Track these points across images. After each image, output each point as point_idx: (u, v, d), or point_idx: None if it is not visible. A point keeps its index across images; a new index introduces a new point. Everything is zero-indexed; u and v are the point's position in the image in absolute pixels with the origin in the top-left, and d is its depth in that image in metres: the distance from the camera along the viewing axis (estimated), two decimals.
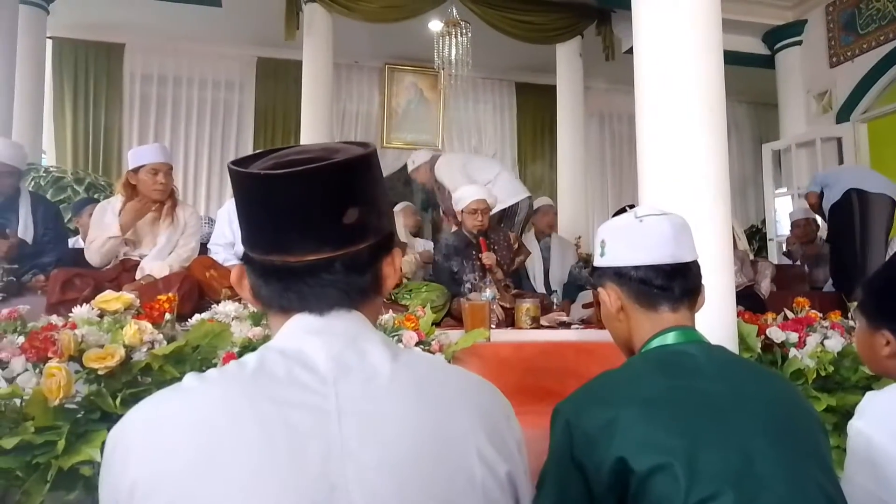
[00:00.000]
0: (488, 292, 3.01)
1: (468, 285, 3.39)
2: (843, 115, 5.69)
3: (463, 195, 3.55)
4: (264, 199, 0.69)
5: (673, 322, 1.02)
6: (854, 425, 1.01)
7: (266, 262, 0.70)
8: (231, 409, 0.61)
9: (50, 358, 1.61)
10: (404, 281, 3.23)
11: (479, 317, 2.58)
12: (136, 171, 2.93)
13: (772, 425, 0.88)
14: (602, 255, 1.10)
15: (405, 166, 7.44)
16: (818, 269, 4.80)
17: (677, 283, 1.03)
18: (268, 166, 0.69)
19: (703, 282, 1.09)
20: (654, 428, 0.85)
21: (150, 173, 2.91)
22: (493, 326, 2.79)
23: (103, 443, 1.52)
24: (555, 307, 3.62)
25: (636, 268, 1.03)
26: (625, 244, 1.06)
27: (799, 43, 6.10)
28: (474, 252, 3.46)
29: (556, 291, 4.32)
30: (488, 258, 3.38)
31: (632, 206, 4.21)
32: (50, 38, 5.99)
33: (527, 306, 2.99)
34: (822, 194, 4.29)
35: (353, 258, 0.70)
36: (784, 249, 5.66)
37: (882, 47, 5.35)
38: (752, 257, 5.83)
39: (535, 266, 4.42)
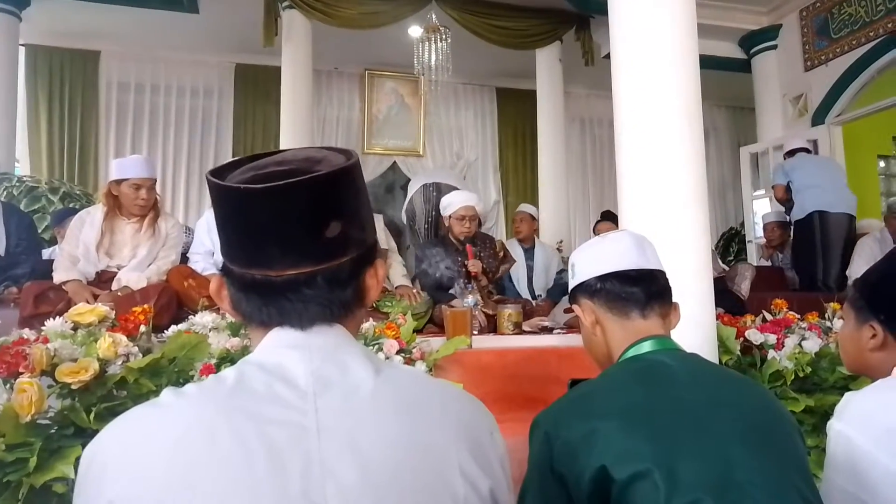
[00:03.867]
0: (470, 299, 3.00)
1: (452, 291, 3.37)
2: (819, 118, 5.79)
3: (451, 201, 3.53)
4: (243, 212, 0.67)
5: (646, 331, 1.05)
6: (833, 426, 1.01)
7: (246, 276, 0.68)
8: (209, 427, 0.60)
9: (21, 373, 1.57)
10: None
11: (460, 324, 2.57)
12: (118, 182, 2.88)
13: (749, 432, 0.89)
14: (573, 276, 1.15)
15: (386, 173, 7.50)
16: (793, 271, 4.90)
17: (642, 287, 1.07)
18: (246, 179, 0.67)
19: (682, 285, 1.10)
20: (634, 437, 0.86)
21: (133, 188, 2.86)
22: (475, 333, 2.78)
23: (77, 459, 1.49)
24: (535, 305, 3.62)
25: (602, 277, 1.09)
26: (591, 260, 1.12)
27: (774, 47, 6.20)
28: (459, 259, 3.45)
29: (540, 296, 4.33)
30: (474, 266, 3.36)
31: (609, 213, 4.22)
32: (23, 45, 5.90)
33: (509, 312, 2.99)
34: (788, 187, 4.68)
35: (335, 272, 0.68)
36: (762, 255, 5.76)
37: (854, 51, 5.46)
38: (729, 257, 5.91)
39: (518, 271, 4.42)
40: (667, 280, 1.11)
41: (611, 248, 1.10)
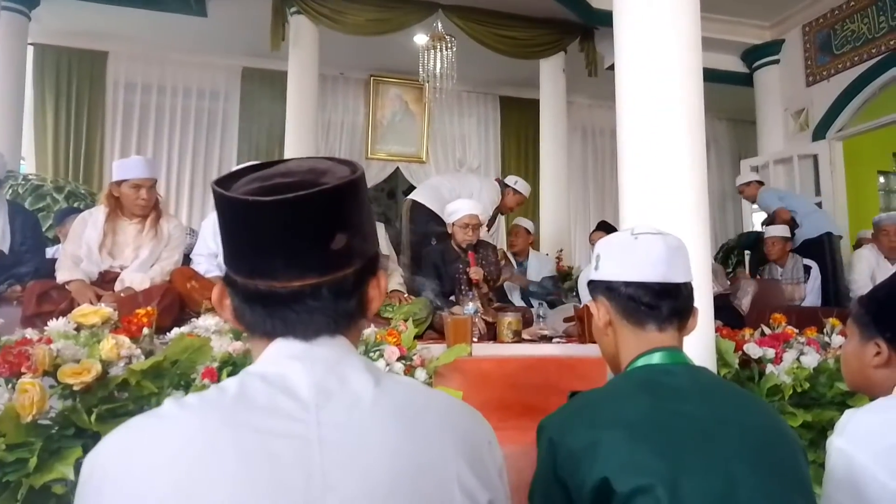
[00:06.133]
0: (471, 306, 3.01)
1: (451, 298, 3.39)
2: (820, 133, 5.81)
3: (456, 209, 3.58)
4: (249, 223, 0.67)
5: (659, 342, 1.02)
6: (834, 443, 1.00)
7: (250, 286, 0.68)
8: (210, 439, 0.60)
9: (23, 373, 1.57)
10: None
11: (461, 332, 2.58)
12: (119, 183, 2.89)
13: (754, 451, 0.89)
14: (596, 268, 1.09)
15: (389, 178, 7.53)
16: (797, 287, 4.94)
17: (665, 303, 1.02)
18: (252, 190, 0.67)
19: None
20: (638, 450, 0.85)
21: (133, 188, 2.87)
22: (475, 340, 2.79)
23: (77, 460, 1.51)
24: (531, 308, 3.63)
25: (626, 284, 1.03)
26: (618, 260, 1.06)
27: (776, 62, 6.23)
28: (461, 266, 3.48)
29: (534, 306, 4.34)
30: (476, 273, 3.40)
31: (606, 223, 4.22)
32: (31, 44, 5.93)
33: (508, 320, 3.00)
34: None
35: (340, 283, 0.69)
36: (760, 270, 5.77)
37: (856, 67, 5.49)
38: (728, 269, 5.91)
39: (511, 284, 4.44)
40: (691, 292, 1.06)
41: (641, 254, 1.03)
